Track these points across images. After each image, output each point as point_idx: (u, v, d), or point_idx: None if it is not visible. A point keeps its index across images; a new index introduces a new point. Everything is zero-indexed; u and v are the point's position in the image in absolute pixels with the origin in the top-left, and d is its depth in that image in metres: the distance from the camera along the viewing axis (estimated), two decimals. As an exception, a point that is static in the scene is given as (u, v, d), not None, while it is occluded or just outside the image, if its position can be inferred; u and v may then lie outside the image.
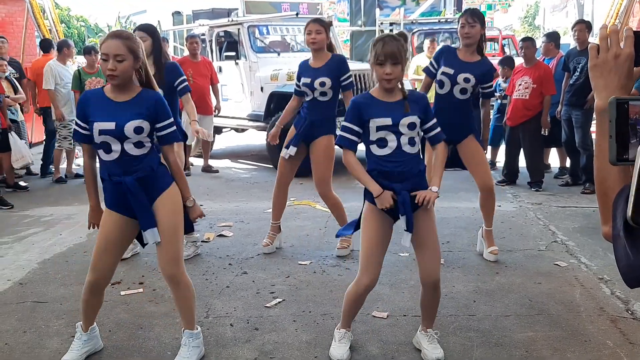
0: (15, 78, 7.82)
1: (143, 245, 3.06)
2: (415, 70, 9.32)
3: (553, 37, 7.67)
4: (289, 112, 4.75)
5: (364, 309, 3.63)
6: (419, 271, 3.01)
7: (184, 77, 4.62)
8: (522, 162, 7.19)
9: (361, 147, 3.05)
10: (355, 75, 7.93)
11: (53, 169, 7.97)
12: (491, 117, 4.65)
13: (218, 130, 9.63)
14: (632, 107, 1.09)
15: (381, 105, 2.92)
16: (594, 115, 1.26)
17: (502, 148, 7.45)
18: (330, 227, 5.47)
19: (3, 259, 4.79)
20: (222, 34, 9.63)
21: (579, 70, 6.63)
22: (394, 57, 2.81)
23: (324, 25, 4.49)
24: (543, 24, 37.14)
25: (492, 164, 8.03)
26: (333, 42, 4.76)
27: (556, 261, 4.51)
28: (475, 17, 4.26)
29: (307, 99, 4.54)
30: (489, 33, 14.42)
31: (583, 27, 6.86)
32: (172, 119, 2.94)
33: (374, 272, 2.95)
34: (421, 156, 3.27)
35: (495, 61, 5.98)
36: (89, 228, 3.10)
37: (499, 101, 6.96)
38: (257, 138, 10.37)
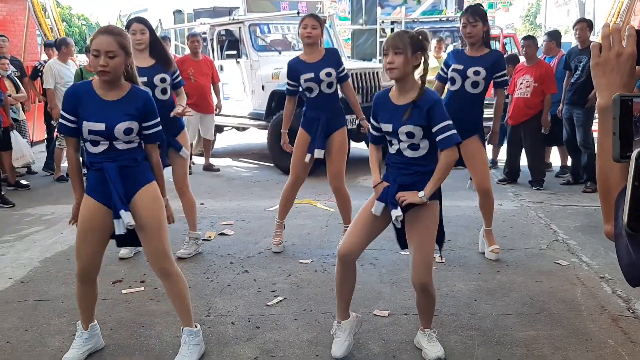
0: (16, 77, 7.83)
1: (118, 244, 3.06)
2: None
3: (554, 36, 7.67)
4: (288, 115, 4.73)
5: (365, 307, 3.64)
6: (411, 272, 2.98)
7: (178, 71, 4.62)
8: (523, 160, 7.20)
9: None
10: (356, 75, 7.99)
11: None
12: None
13: (219, 129, 9.63)
14: (636, 104, 1.09)
15: (390, 108, 2.92)
16: (595, 114, 1.26)
17: (504, 147, 7.44)
18: (331, 226, 5.48)
19: (4, 257, 4.80)
20: (223, 32, 9.62)
21: (580, 69, 6.63)
22: (396, 46, 2.80)
23: (320, 21, 4.50)
24: (544, 22, 37.10)
25: (494, 162, 8.03)
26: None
27: (557, 260, 4.51)
28: (477, 15, 4.25)
29: (312, 95, 4.51)
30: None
31: (584, 25, 6.86)
32: (158, 119, 2.95)
33: (349, 244, 3.00)
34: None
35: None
36: (70, 222, 3.03)
37: (503, 100, 6.96)
38: (258, 137, 10.36)
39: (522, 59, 7.71)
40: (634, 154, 1.00)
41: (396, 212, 2.88)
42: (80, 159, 3.20)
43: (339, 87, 4.61)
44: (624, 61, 1.20)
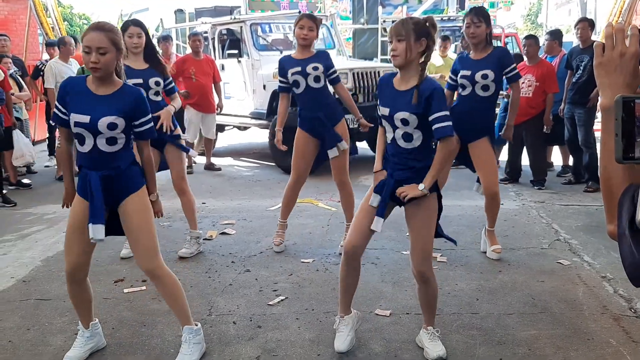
0: (18, 76, 7.84)
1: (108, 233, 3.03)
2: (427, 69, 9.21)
3: (557, 35, 7.66)
4: (282, 112, 4.70)
5: (367, 306, 3.64)
6: (410, 262, 3.05)
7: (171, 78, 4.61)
8: (524, 160, 7.19)
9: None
10: (358, 74, 7.99)
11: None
12: (510, 109, 4.67)
13: (220, 128, 9.63)
14: (639, 105, 1.09)
15: (391, 92, 2.93)
16: (597, 114, 1.26)
17: (505, 146, 7.44)
18: (332, 225, 5.48)
19: (6, 256, 4.80)
20: (224, 31, 9.63)
21: (581, 68, 6.62)
22: (399, 33, 2.81)
23: (316, 23, 4.50)
24: (545, 22, 37.06)
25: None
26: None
27: (559, 259, 4.50)
28: (481, 16, 4.25)
29: (299, 90, 4.50)
30: (491, 31, 14.43)
31: (586, 25, 6.84)
32: (149, 116, 2.95)
33: (354, 238, 3.03)
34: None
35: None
36: (62, 207, 3.10)
37: (505, 100, 6.95)
38: (260, 136, 10.37)
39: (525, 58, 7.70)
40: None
41: (379, 222, 2.97)
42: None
43: (332, 89, 4.64)
44: (627, 61, 1.20)
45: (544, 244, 4.92)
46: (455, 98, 4.68)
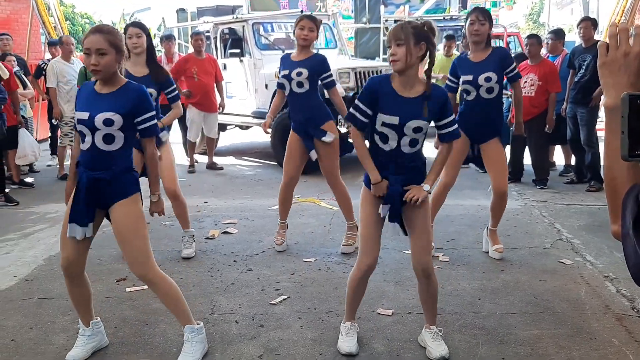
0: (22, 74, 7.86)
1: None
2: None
3: (561, 35, 7.65)
4: (276, 104, 4.80)
5: (369, 305, 3.64)
6: (411, 259, 3.06)
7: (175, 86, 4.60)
8: (527, 159, 7.18)
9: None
10: (360, 73, 7.99)
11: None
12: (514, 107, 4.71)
13: (222, 127, 9.63)
14: None
15: (397, 100, 2.87)
16: (599, 113, 1.26)
17: (508, 146, 7.43)
18: (335, 224, 5.48)
19: (9, 255, 4.81)
20: (226, 31, 9.63)
21: (584, 67, 6.61)
22: (398, 37, 2.78)
23: (316, 24, 4.51)
24: (548, 21, 37.01)
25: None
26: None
27: (561, 259, 4.50)
28: (485, 15, 4.27)
29: (286, 92, 4.57)
30: (494, 31, 14.41)
31: (589, 24, 6.83)
32: (152, 113, 2.94)
33: (374, 252, 3.02)
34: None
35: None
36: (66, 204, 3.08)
37: (509, 99, 6.94)
38: (262, 135, 10.34)
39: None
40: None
41: (396, 225, 3.03)
42: None
43: (327, 93, 4.65)
44: (631, 60, 1.20)
45: (547, 243, 4.91)
46: (457, 101, 4.69)
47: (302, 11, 9.00)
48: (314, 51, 4.60)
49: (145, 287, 4.00)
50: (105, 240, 4.60)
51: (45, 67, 8.14)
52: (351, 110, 2.96)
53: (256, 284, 4.11)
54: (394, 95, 2.87)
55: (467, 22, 4.31)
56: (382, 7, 14.09)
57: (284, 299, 3.83)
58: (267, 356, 3.12)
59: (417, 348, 3.17)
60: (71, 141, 7.82)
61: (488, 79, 4.22)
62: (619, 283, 3.99)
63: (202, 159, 8.70)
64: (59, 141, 7.90)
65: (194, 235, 4.79)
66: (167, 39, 8.81)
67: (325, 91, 4.70)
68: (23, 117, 7.47)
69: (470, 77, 4.26)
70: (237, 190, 7.12)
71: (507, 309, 3.65)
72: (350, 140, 3.00)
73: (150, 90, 4.29)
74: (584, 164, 6.88)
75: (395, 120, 2.86)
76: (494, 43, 13.05)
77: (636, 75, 1.20)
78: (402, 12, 14.22)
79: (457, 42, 9.79)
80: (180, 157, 8.12)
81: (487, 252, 4.62)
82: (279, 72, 4.60)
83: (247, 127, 10.14)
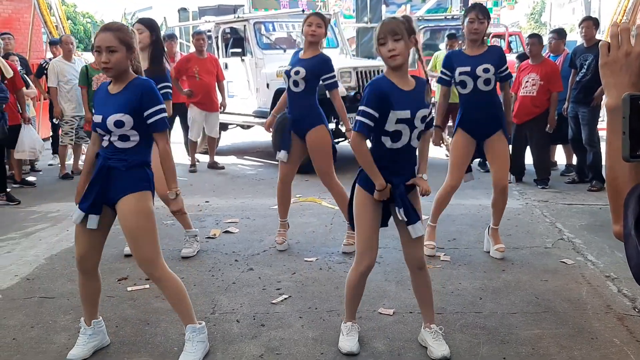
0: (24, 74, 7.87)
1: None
2: (432, 66, 9.11)
3: (563, 34, 7.64)
4: (282, 102, 4.83)
5: (370, 305, 3.64)
6: (404, 254, 3.10)
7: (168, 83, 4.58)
8: (528, 159, 7.18)
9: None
10: (361, 72, 7.98)
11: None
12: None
13: (224, 126, 9.63)
14: None
15: (402, 95, 2.88)
16: (601, 113, 1.26)
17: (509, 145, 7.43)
18: (336, 224, 5.48)
19: (10, 254, 4.81)
20: (228, 30, 9.63)
21: (585, 67, 6.60)
22: (394, 32, 2.79)
23: (325, 21, 4.52)
24: (549, 20, 36.98)
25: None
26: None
27: (563, 259, 4.50)
28: (485, 13, 4.27)
29: (286, 88, 4.62)
30: (495, 30, 14.41)
31: (590, 24, 6.82)
32: (160, 106, 2.92)
33: (372, 253, 3.03)
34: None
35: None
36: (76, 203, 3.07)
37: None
38: (263, 135, 10.34)
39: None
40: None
41: (414, 226, 3.03)
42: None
43: (328, 94, 4.64)
44: (632, 60, 1.20)
45: (548, 243, 4.91)
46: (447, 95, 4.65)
47: (303, 10, 8.99)
48: (322, 50, 4.59)
49: (147, 286, 4.03)
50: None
51: (46, 67, 8.14)
52: (359, 118, 2.89)
53: (257, 283, 4.11)
54: (398, 90, 2.89)
55: (466, 20, 4.29)
56: (383, 7, 14.08)
57: (285, 299, 3.83)
58: (268, 355, 3.12)
59: (418, 347, 3.17)
60: (71, 140, 7.83)
61: (486, 70, 4.22)
62: (621, 283, 3.99)
63: (204, 159, 8.70)
64: (60, 140, 7.91)
65: (196, 236, 4.78)
66: (169, 38, 8.80)
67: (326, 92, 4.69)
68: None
69: (467, 68, 4.25)
70: (238, 189, 7.12)
71: (509, 308, 3.65)
72: (351, 147, 2.98)
73: None
74: (585, 163, 6.87)
75: (407, 114, 2.87)
76: (496, 42, 13.10)
77: (637, 75, 1.20)
78: (404, 12, 14.21)
79: (459, 41, 9.78)
80: (181, 156, 8.13)
81: (489, 252, 4.62)
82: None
83: (249, 127, 10.14)
